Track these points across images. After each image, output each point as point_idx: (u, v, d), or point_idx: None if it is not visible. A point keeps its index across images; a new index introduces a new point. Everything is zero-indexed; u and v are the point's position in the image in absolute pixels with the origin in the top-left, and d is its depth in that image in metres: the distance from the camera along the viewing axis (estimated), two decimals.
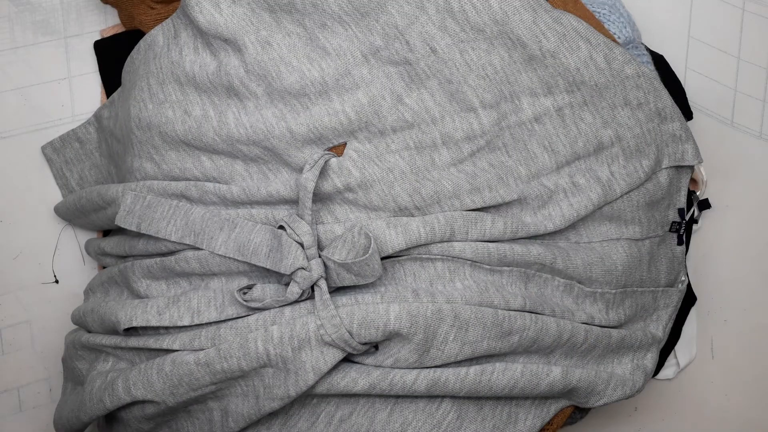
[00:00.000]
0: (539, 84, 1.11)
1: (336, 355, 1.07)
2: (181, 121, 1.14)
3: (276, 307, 1.09)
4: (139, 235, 1.17)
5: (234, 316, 1.10)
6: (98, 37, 1.29)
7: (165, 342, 1.11)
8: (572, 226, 1.15)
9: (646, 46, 1.23)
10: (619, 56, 1.12)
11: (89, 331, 1.20)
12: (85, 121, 1.29)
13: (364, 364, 1.10)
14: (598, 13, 1.20)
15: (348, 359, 1.10)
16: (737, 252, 1.29)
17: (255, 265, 1.11)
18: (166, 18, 1.19)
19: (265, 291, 1.09)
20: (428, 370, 1.09)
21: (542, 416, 1.16)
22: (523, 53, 1.10)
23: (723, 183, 1.28)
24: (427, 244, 1.09)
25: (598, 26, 1.15)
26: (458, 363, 1.11)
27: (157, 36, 1.17)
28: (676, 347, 1.30)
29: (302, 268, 1.06)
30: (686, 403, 1.35)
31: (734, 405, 1.32)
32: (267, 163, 1.12)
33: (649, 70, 1.16)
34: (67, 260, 1.31)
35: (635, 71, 1.12)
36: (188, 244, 1.13)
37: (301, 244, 1.07)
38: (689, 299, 1.28)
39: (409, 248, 1.09)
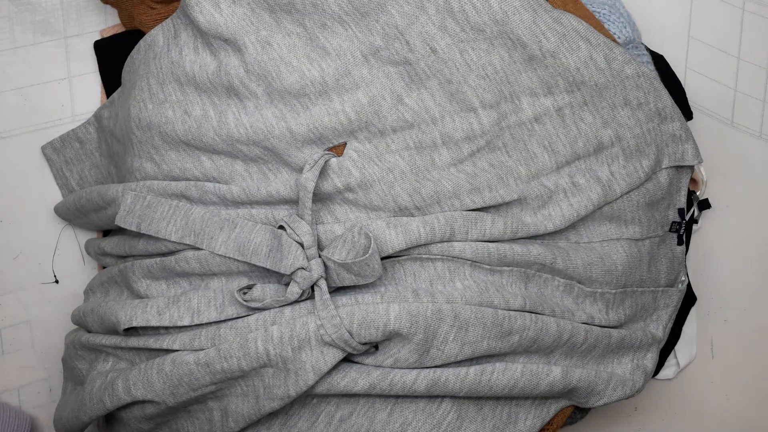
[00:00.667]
0: (539, 84, 1.11)
1: (336, 355, 1.07)
2: (181, 121, 1.14)
3: (276, 307, 1.09)
4: (139, 235, 1.17)
5: (234, 316, 1.10)
6: (98, 37, 1.29)
7: (165, 342, 1.11)
8: (572, 226, 1.15)
9: (646, 46, 1.23)
10: (619, 56, 1.12)
11: (89, 331, 1.20)
12: (85, 121, 1.29)
13: (364, 364, 1.10)
14: (598, 13, 1.20)
15: (348, 359, 1.10)
16: (737, 252, 1.29)
17: (255, 265, 1.11)
18: (166, 18, 1.19)
19: (265, 291, 1.09)
20: (428, 370, 1.09)
21: (542, 416, 1.16)
22: (523, 53, 1.10)
23: (723, 183, 1.28)
24: (427, 244, 1.09)
25: (598, 26, 1.15)
26: (458, 363, 1.11)
27: (157, 36, 1.17)
28: (676, 347, 1.30)
29: (302, 268, 1.06)
30: (686, 403, 1.35)
31: (734, 405, 1.32)
32: (267, 163, 1.12)
33: (649, 70, 1.16)
34: (67, 260, 1.31)
35: (635, 71, 1.12)
36: (188, 244, 1.13)
37: (301, 244, 1.07)
38: (689, 299, 1.28)
39: (409, 248, 1.09)
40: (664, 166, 1.17)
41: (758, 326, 1.29)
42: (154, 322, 1.12)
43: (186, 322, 1.11)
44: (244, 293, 1.10)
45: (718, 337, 1.32)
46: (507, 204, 1.12)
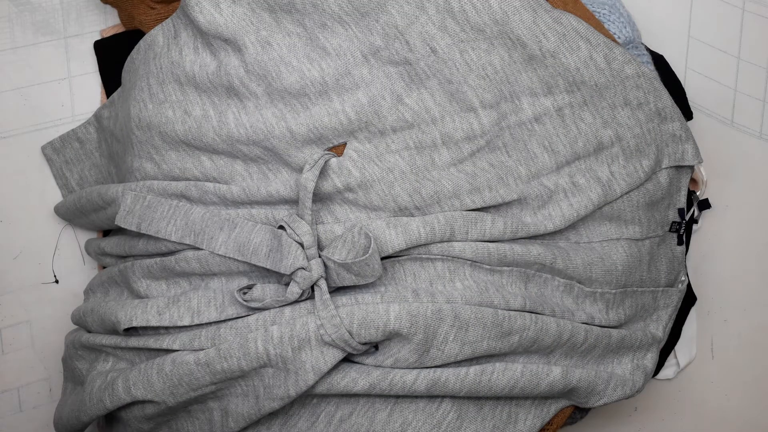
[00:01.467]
0: (539, 84, 1.11)
1: (336, 355, 1.07)
2: (181, 121, 1.14)
3: (276, 307, 1.09)
4: (139, 235, 1.17)
5: (234, 316, 1.10)
6: (98, 37, 1.29)
7: (165, 342, 1.11)
8: (572, 226, 1.15)
9: (646, 46, 1.23)
10: (619, 56, 1.12)
11: (89, 331, 1.20)
12: (85, 121, 1.29)
13: (364, 364, 1.10)
14: (598, 13, 1.20)
15: (348, 359, 1.10)
16: (737, 252, 1.29)
17: (255, 265, 1.11)
18: (166, 18, 1.19)
19: (265, 291, 1.09)
20: (428, 370, 1.09)
21: (542, 416, 1.16)
22: (523, 53, 1.10)
23: (723, 183, 1.28)
24: (427, 244, 1.09)
25: (598, 26, 1.15)
26: (458, 363, 1.11)
27: (157, 36, 1.17)
28: (676, 347, 1.30)
29: (302, 268, 1.06)
30: (686, 403, 1.35)
31: (734, 405, 1.32)
32: (267, 163, 1.12)
33: (649, 70, 1.16)
34: (67, 260, 1.31)
35: (635, 71, 1.12)
36: (188, 244, 1.13)
37: (301, 244, 1.07)
38: (689, 299, 1.28)
39: (409, 248, 1.09)
40: (664, 166, 1.17)
41: (758, 326, 1.29)
42: (154, 322, 1.12)
43: (186, 322, 1.11)
44: (244, 293, 1.10)
45: (718, 337, 1.32)
46: (507, 204, 1.12)
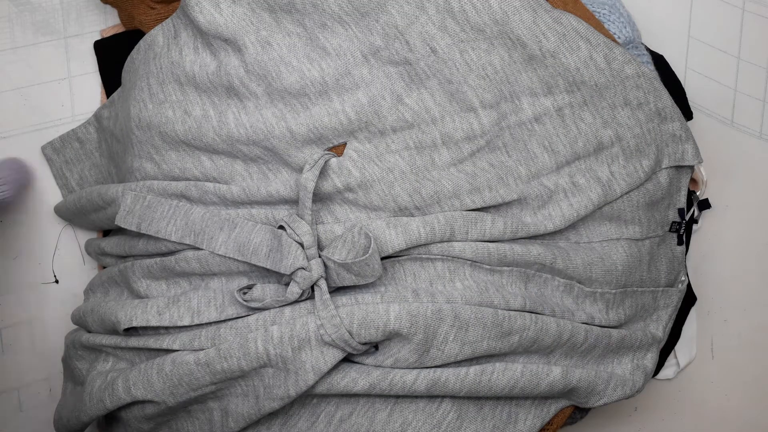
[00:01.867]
0: (539, 84, 1.11)
1: (336, 355, 1.07)
2: (181, 121, 1.14)
3: (276, 307, 1.09)
4: (139, 235, 1.17)
5: (234, 316, 1.10)
6: (98, 37, 1.29)
7: (165, 342, 1.11)
8: (572, 226, 1.15)
9: (646, 46, 1.23)
10: (619, 56, 1.12)
11: (89, 331, 1.20)
12: (85, 121, 1.29)
13: (364, 364, 1.10)
14: (598, 13, 1.20)
15: (348, 359, 1.10)
16: (737, 252, 1.29)
17: (255, 265, 1.11)
18: (166, 18, 1.19)
19: (265, 291, 1.09)
20: (428, 370, 1.09)
21: (542, 416, 1.16)
22: (523, 53, 1.10)
23: (723, 183, 1.28)
24: (427, 244, 1.09)
25: (598, 26, 1.15)
26: (458, 363, 1.11)
27: (157, 36, 1.17)
28: (676, 347, 1.30)
29: (302, 268, 1.06)
30: (686, 403, 1.35)
31: (734, 405, 1.32)
32: (267, 163, 1.12)
33: (649, 70, 1.16)
34: (67, 260, 1.31)
35: (635, 71, 1.12)
36: (188, 244, 1.13)
37: (301, 244, 1.07)
38: (689, 299, 1.28)
39: (409, 248, 1.09)
40: (664, 166, 1.17)
41: (758, 326, 1.29)
42: (154, 322, 1.12)
43: (186, 322, 1.11)
44: (244, 293, 1.10)
45: (718, 337, 1.32)
46: (507, 204, 1.12)
